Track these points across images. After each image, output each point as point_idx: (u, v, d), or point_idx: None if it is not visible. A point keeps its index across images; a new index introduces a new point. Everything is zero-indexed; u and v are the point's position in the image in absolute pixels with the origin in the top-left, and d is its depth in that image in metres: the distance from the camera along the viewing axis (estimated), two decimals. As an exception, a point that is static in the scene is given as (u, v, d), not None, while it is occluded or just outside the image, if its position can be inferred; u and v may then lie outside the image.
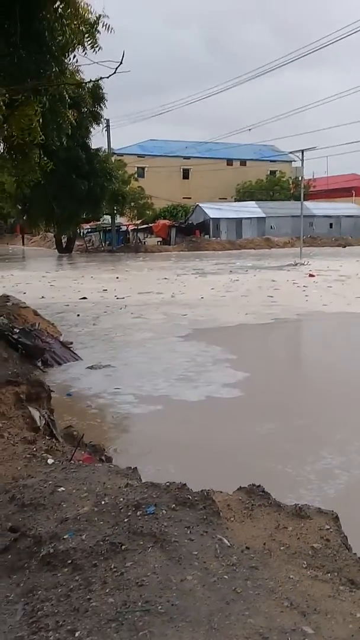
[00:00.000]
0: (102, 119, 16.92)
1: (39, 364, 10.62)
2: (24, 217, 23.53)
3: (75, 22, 7.54)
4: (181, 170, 77.07)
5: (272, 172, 78.24)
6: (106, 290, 23.09)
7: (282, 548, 2.98)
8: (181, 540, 2.88)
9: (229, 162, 78.76)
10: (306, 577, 2.73)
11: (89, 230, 60.05)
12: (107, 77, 7.02)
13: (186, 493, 3.33)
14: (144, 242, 58.54)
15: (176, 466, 6.23)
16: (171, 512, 3.13)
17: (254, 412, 8.33)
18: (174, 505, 3.20)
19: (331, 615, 2.44)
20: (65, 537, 2.98)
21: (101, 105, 15.81)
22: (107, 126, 47.87)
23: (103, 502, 3.32)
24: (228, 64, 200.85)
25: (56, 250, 55.15)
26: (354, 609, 2.50)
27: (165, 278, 27.98)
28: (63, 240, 54.16)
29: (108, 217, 53.96)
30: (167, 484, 3.47)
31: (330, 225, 66.81)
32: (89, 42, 7.78)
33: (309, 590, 2.61)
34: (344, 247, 57.99)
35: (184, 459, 6.61)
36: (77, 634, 2.33)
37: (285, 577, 2.69)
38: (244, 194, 73.51)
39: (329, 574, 2.82)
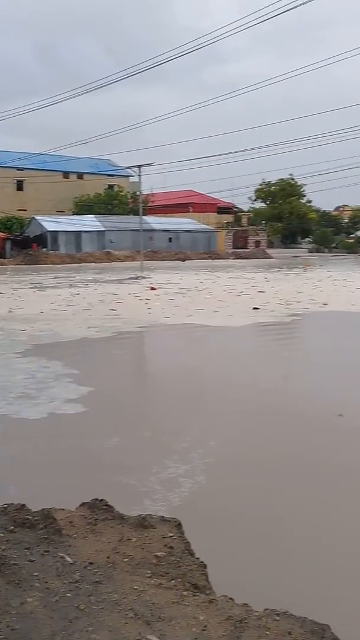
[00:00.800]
0: None
1: None
2: None
3: None
4: (15, 181, 75.35)
5: (110, 186, 79.00)
6: None
7: (126, 560, 2.96)
8: (21, 562, 2.77)
9: (66, 174, 78.30)
10: (150, 586, 2.73)
11: None
12: None
13: (25, 513, 3.22)
14: (-23, 256, 56.35)
15: (16, 487, 6.01)
16: (9, 535, 3.00)
17: (99, 427, 8.27)
18: (12, 527, 3.08)
19: (175, 621, 2.47)
20: None
21: None
22: None
23: None
24: (61, 76, 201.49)
25: None
26: (197, 613, 2.54)
27: (1, 292, 27.09)
28: None
29: None
30: (5, 505, 3.32)
31: (170, 239, 68.74)
32: None
33: (153, 598, 2.62)
34: (184, 260, 59.93)
35: (24, 479, 6.39)
36: None
37: (129, 589, 2.68)
38: (82, 207, 73.47)
39: (173, 581, 2.85)
